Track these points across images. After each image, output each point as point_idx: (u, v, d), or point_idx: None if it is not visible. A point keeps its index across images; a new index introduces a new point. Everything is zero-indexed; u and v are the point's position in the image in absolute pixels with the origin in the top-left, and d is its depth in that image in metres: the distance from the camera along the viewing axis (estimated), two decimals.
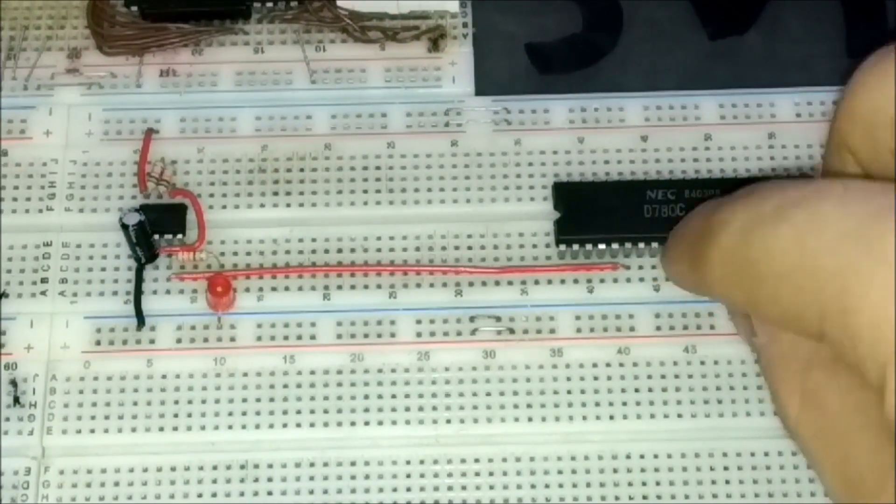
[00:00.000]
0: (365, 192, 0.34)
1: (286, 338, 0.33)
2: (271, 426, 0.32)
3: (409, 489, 0.31)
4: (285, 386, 0.32)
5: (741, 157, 0.34)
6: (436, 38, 0.36)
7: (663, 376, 0.32)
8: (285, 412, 0.32)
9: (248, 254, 0.33)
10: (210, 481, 0.31)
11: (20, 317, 0.33)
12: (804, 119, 0.35)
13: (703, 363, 0.32)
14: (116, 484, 0.31)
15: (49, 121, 0.35)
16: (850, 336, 0.23)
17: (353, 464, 0.31)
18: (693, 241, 0.28)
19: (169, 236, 0.33)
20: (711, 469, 0.31)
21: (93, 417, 0.32)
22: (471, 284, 0.33)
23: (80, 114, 0.35)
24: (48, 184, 0.34)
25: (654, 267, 0.33)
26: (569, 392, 0.32)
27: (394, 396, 0.32)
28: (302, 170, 0.34)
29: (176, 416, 0.32)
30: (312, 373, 0.32)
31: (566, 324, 0.33)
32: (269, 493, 0.31)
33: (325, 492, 0.31)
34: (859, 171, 0.28)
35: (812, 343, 0.26)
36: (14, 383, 0.32)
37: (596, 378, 0.32)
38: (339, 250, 0.33)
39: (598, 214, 0.33)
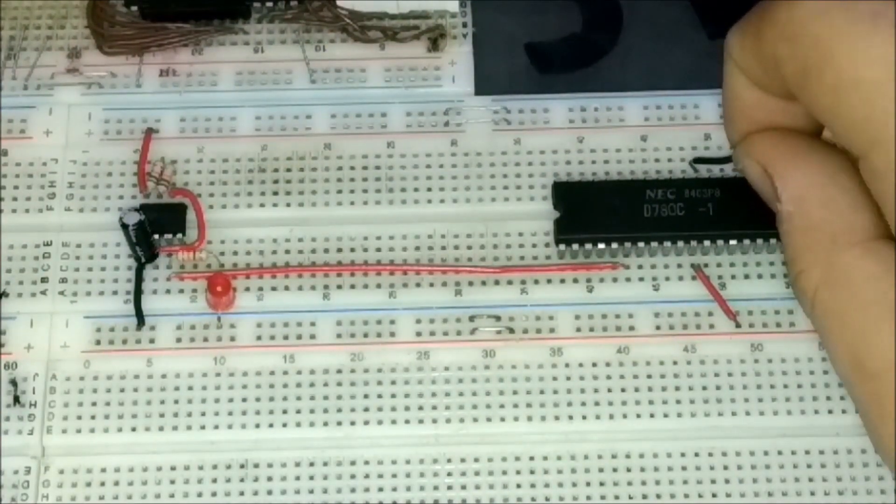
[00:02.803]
0: (365, 191, 0.34)
1: (286, 337, 0.33)
2: (271, 426, 0.32)
3: (408, 489, 0.31)
4: (285, 385, 0.32)
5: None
6: (435, 38, 0.36)
7: (663, 376, 0.32)
8: (285, 412, 0.32)
9: (248, 253, 0.33)
10: (210, 481, 0.31)
11: (20, 316, 0.33)
12: None
13: (702, 363, 0.32)
14: (116, 483, 0.31)
15: (49, 120, 0.35)
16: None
17: (352, 463, 0.31)
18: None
19: (169, 236, 0.33)
20: (711, 469, 0.31)
21: (93, 417, 0.32)
22: (470, 284, 0.33)
23: (80, 113, 0.35)
24: (48, 183, 0.34)
25: (653, 266, 0.33)
26: (569, 392, 0.32)
27: (393, 396, 0.32)
28: (302, 170, 0.34)
29: (176, 415, 0.32)
30: (312, 372, 0.32)
31: (566, 323, 0.33)
32: (269, 493, 0.31)
33: (325, 491, 0.31)
34: None
35: (845, 220, 0.27)
36: (14, 383, 0.32)
37: (596, 378, 0.32)
38: (339, 250, 0.33)
39: (597, 214, 0.33)
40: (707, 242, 0.33)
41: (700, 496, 0.31)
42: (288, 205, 0.34)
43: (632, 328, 0.32)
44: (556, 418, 0.32)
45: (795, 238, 0.28)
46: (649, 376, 0.32)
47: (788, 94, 0.28)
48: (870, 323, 0.26)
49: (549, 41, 0.36)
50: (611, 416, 0.32)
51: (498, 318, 0.33)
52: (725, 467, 0.31)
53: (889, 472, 0.31)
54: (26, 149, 0.35)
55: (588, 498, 0.31)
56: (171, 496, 0.31)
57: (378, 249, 0.33)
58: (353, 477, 0.31)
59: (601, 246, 0.33)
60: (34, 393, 0.32)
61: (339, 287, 0.33)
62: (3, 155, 0.34)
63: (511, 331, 0.32)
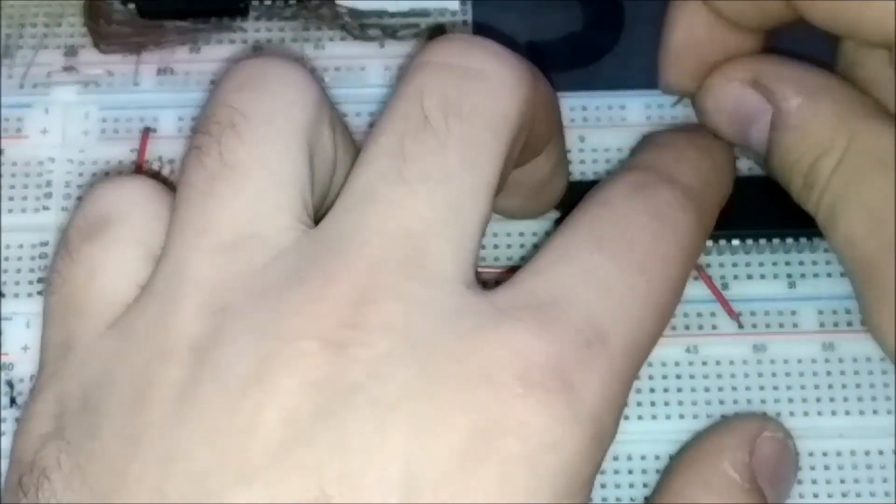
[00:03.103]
0: None
1: None
2: None
3: None
4: None
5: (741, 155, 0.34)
6: (436, 37, 0.35)
7: (665, 377, 0.32)
8: None
9: None
10: None
11: (16, 317, 0.32)
12: None
13: (704, 363, 0.32)
14: None
15: (46, 119, 0.35)
16: None
17: None
18: None
19: None
20: None
21: None
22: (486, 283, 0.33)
23: (77, 112, 0.35)
24: (45, 183, 0.34)
25: None
26: None
27: None
28: None
29: None
30: None
31: None
32: None
33: None
34: None
35: (860, 96, 0.30)
36: (10, 384, 0.32)
37: None
38: None
39: None
40: (709, 242, 0.33)
41: None
42: None
43: None
44: None
45: (809, 126, 0.30)
46: (651, 377, 0.32)
47: (765, 19, 0.29)
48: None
49: (549, 40, 0.36)
50: None
51: None
52: None
53: (890, 473, 0.31)
54: (22, 148, 0.34)
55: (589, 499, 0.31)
56: None
57: None
58: None
59: None
60: None
61: None
62: (0, 154, 0.34)
63: None
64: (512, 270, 0.32)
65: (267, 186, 0.25)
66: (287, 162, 0.25)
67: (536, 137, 0.28)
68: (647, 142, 0.31)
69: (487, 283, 0.32)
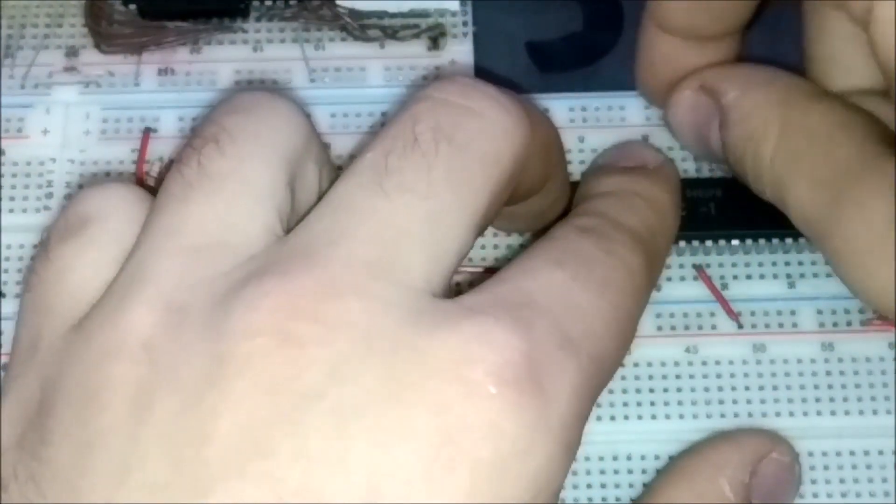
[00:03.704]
0: None
1: None
2: None
3: None
4: None
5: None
6: (436, 37, 0.35)
7: (664, 377, 0.32)
8: None
9: None
10: None
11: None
12: None
13: (704, 363, 0.32)
14: None
15: (47, 119, 0.35)
16: None
17: None
18: None
19: None
20: None
21: None
22: (471, 285, 0.33)
23: (78, 113, 0.35)
24: (46, 183, 0.34)
25: None
26: None
27: None
28: None
29: None
30: None
31: None
32: None
33: None
34: None
35: (794, 79, 0.31)
36: None
37: None
38: None
39: None
40: (709, 242, 0.33)
41: None
42: None
43: None
44: None
45: (746, 118, 0.30)
46: (651, 377, 0.32)
47: (716, 25, 0.31)
48: (835, 139, 0.29)
49: (549, 40, 0.36)
50: (612, 418, 0.31)
51: None
52: None
53: (890, 473, 0.31)
54: (23, 148, 0.34)
55: (589, 499, 0.31)
56: None
57: None
58: None
59: None
60: None
61: None
62: (1, 154, 0.34)
63: None
64: None
65: (241, 197, 0.25)
66: (265, 178, 0.25)
67: (532, 179, 0.28)
68: (592, 185, 0.31)
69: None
